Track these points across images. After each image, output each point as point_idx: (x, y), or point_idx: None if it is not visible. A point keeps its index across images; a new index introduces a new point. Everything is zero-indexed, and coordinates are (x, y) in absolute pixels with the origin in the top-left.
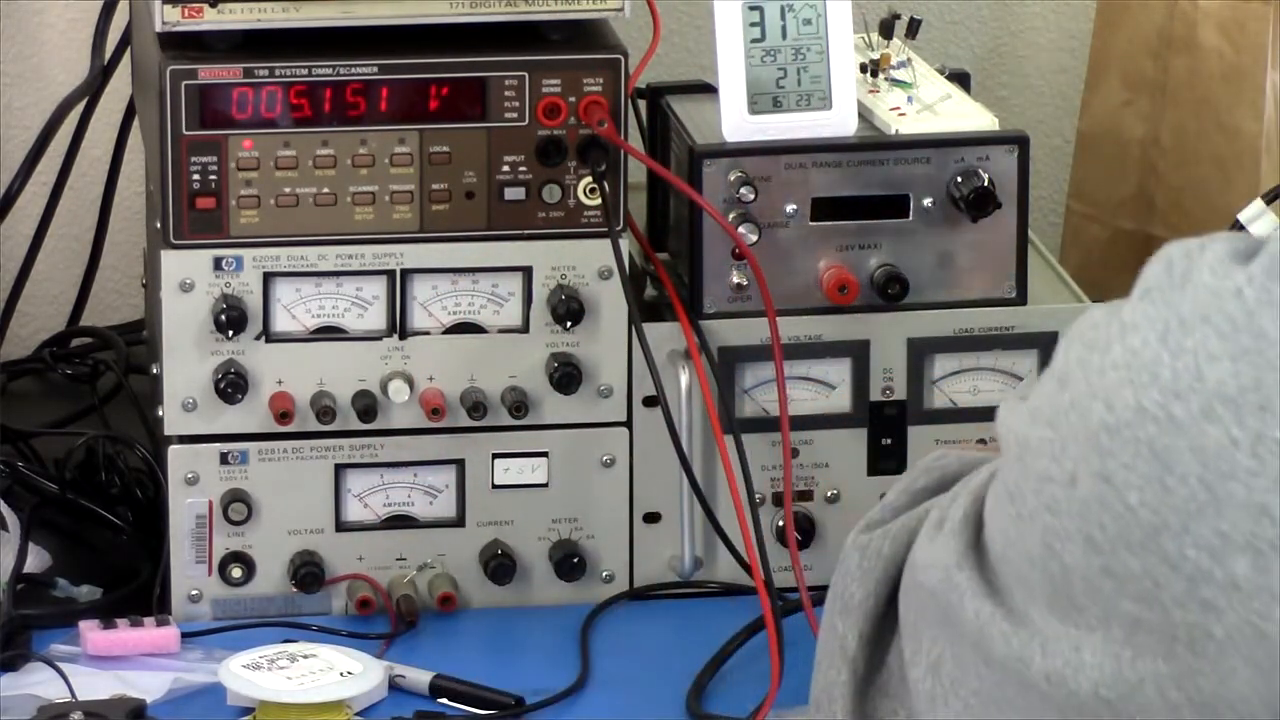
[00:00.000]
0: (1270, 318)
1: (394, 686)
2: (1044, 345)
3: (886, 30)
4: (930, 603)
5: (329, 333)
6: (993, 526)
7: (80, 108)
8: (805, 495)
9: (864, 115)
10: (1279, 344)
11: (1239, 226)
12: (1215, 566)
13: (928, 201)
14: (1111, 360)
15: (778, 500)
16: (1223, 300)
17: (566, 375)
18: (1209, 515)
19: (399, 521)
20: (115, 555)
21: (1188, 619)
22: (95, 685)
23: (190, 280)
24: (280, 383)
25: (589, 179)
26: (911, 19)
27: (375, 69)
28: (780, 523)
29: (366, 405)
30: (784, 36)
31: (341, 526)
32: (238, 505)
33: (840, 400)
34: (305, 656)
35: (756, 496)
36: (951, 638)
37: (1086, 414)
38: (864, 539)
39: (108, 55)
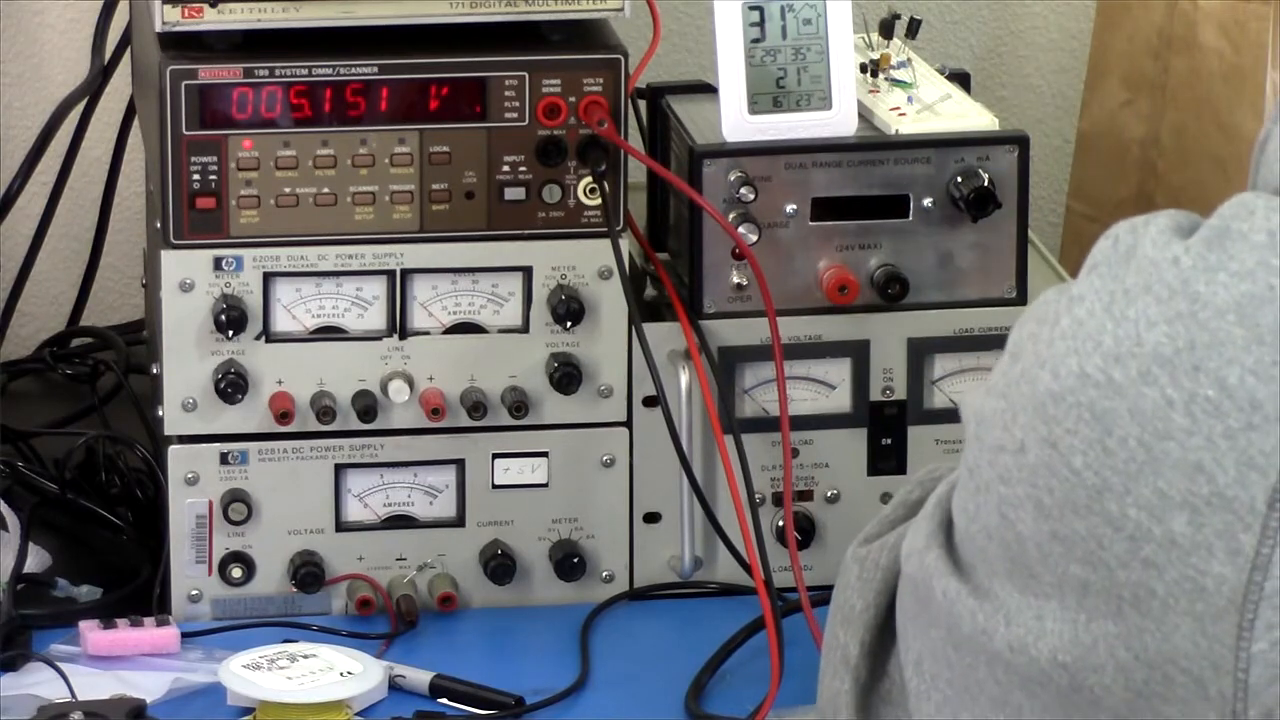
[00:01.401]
0: (1205, 282)
1: (394, 686)
2: None
3: (886, 30)
4: (912, 596)
5: (329, 333)
6: (957, 506)
7: (80, 108)
8: (805, 495)
9: (864, 115)
10: (1212, 307)
11: None
12: (1155, 525)
13: (928, 201)
14: (1060, 331)
15: (778, 500)
16: (1161, 269)
17: (566, 375)
18: (1148, 475)
19: (399, 521)
20: (115, 555)
21: (1131, 578)
22: (95, 685)
23: (190, 280)
24: (280, 383)
25: (589, 179)
26: (911, 19)
27: (375, 69)
28: (780, 523)
29: (366, 405)
30: (784, 36)
31: (341, 526)
32: (238, 505)
33: (840, 400)
34: (305, 656)
35: (756, 496)
36: (926, 627)
37: (1034, 382)
38: (862, 551)
39: (108, 55)
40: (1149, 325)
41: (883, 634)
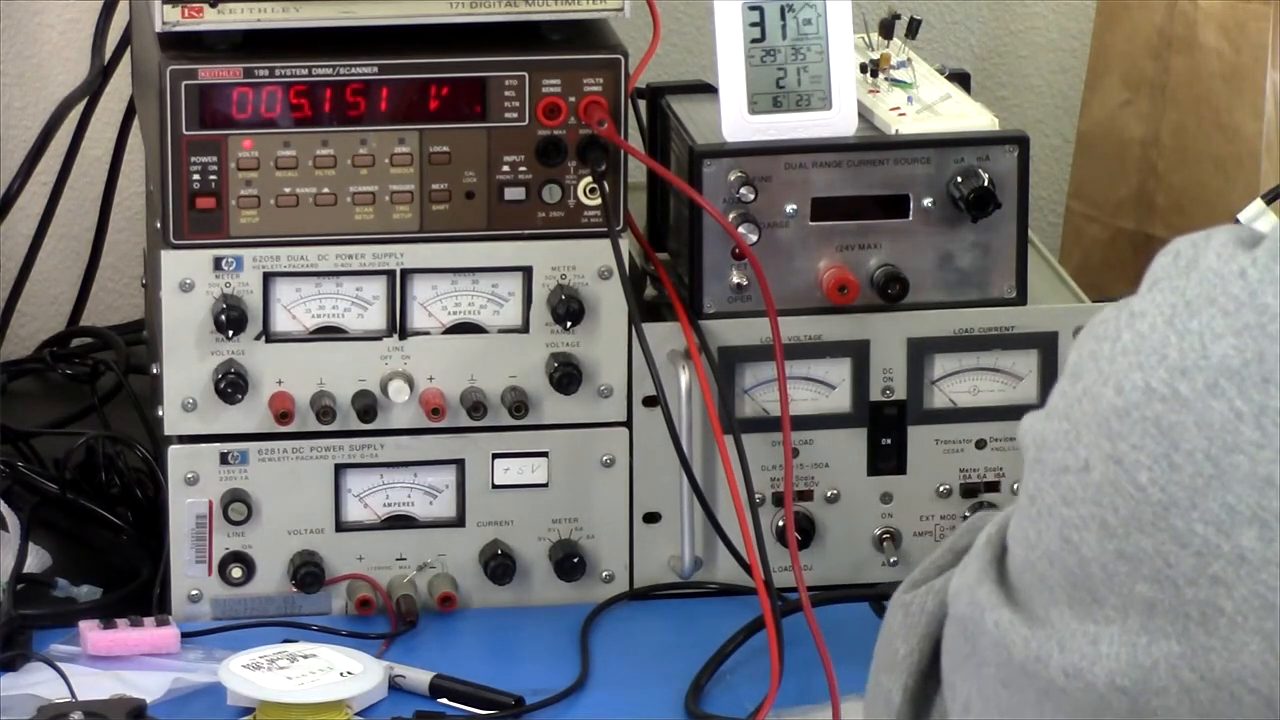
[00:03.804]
0: (1273, 294)
1: (394, 686)
2: (1044, 345)
3: (886, 30)
4: (961, 636)
5: (329, 333)
6: (1015, 536)
7: (80, 108)
8: (805, 495)
9: (864, 115)
10: None
11: None
12: (1223, 540)
13: (928, 201)
14: (1121, 347)
15: (778, 500)
16: (1227, 281)
17: (566, 375)
18: (1215, 489)
19: (399, 521)
20: (115, 555)
21: (1199, 596)
22: (95, 685)
23: (190, 280)
24: (280, 383)
25: (589, 179)
26: (911, 19)
27: (375, 69)
28: (780, 523)
29: (366, 405)
30: (784, 36)
31: (341, 526)
32: (238, 505)
33: (840, 400)
34: (305, 656)
35: (756, 496)
36: (977, 668)
37: (1098, 400)
38: (906, 597)
39: (108, 55)
40: (1214, 337)
41: (926, 680)
